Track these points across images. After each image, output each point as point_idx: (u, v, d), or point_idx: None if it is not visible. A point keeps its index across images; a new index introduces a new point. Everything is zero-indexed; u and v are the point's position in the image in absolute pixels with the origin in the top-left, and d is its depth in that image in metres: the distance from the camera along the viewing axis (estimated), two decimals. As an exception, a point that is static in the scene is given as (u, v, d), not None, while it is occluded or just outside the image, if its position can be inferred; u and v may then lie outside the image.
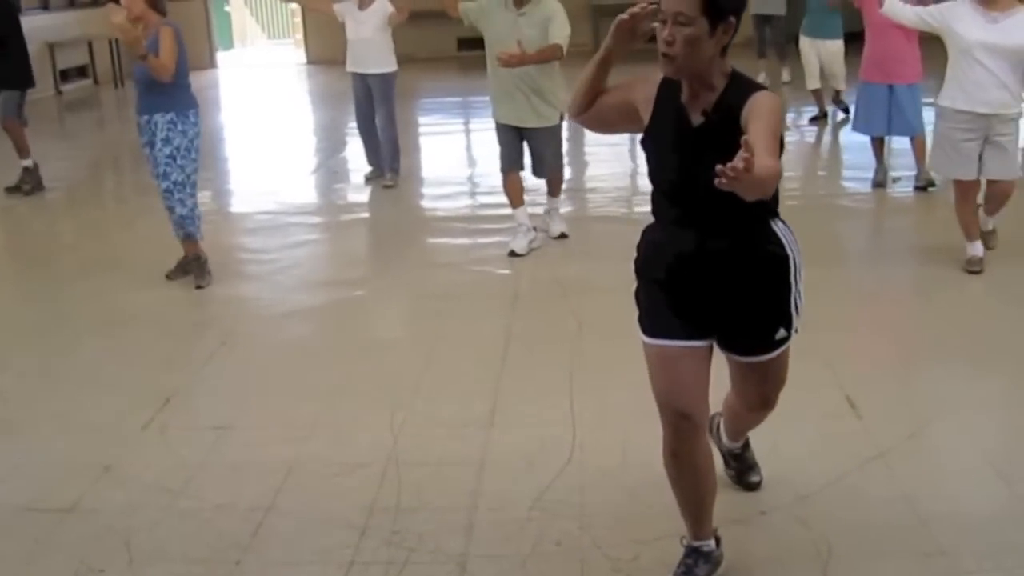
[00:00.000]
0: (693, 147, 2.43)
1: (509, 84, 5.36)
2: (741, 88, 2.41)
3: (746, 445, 3.13)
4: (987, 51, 4.66)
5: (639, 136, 2.60)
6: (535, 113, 5.45)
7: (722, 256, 2.48)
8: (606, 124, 2.74)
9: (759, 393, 2.76)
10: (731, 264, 2.48)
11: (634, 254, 2.67)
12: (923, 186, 6.64)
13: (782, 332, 2.58)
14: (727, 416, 3.02)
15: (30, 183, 7.63)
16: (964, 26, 4.72)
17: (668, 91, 2.49)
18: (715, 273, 2.49)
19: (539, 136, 5.53)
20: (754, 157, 1.95)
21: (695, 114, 2.44)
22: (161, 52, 4.95)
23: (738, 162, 1.95)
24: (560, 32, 5.25)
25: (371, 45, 7.27)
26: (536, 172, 5.79)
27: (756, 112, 2.31)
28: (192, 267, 5.40)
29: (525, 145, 5.64)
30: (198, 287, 5.31)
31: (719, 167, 1.96)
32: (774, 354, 2.62)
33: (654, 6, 2.39)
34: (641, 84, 2.56)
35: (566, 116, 5.35)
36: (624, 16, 2.44)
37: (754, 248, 2.50)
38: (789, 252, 2.53)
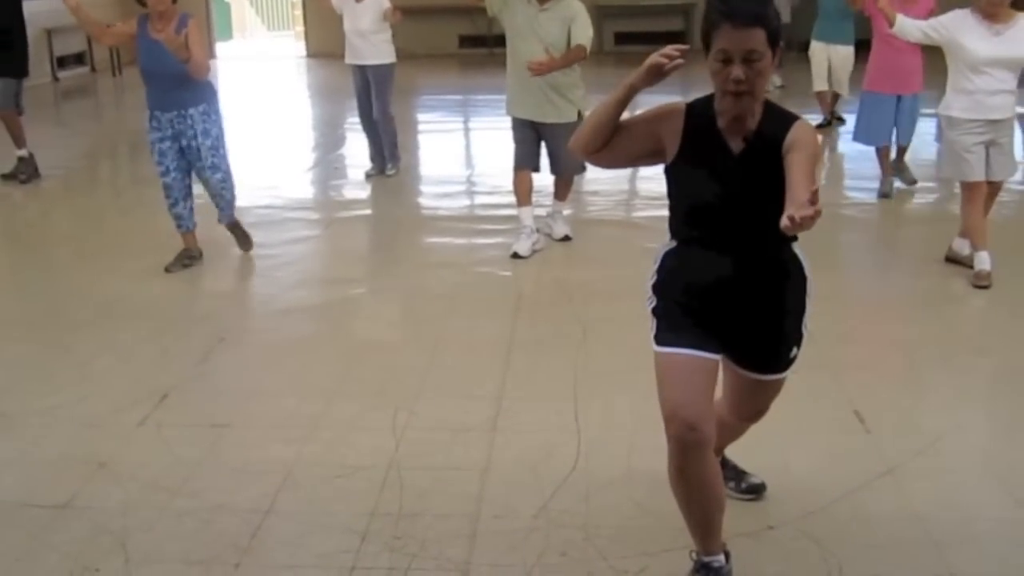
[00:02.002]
0: (734, 174, 2.44)
1: (527, 79, 5.33)
2: (777, 116, 2.45)
3: (723, 459, 3.11)
4: (994, 63, 4.78)
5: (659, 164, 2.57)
6: (553, 108, 5.44)
7: (754, 278, 2.51)
8: (623, 159, 2.66)
9: (759, 406, 2.80)
10: (762, 286, 2.52)
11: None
12: (887, 193, 6.80)
13: (795, 351, 2.64)
14: None
15: (26, 172, 7.60)
16: (971, 39, 4.80)
17: (697, 119, 2.47)
18: (745, 294, 2.51)
19: (557, 132, 5.46)
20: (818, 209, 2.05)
21: (734, 141, 2.44)
22: (195, 50, 4.97)
23: (807, 210, 2.04)
24: (584, 33, 5.28)
25: (368, 37, 7.30)
26: (555, 170, 5.75)
27: (801, 145, 2.35)
28: (237, 235, 5.70)
29: (541, 145, 5.62)
30: (247, 250, 5.70)
31: (792, 215, 2.06)
32: (786, 372, 2.68)
33: (687, 47, 2.35)
34: (666, 115, 2.50)
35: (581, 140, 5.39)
36: (661, 60, 2.36)
37: (781, 270, 2.55)
38: (808, 274, 2.60)
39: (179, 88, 5.06)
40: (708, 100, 2.49)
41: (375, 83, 7.41)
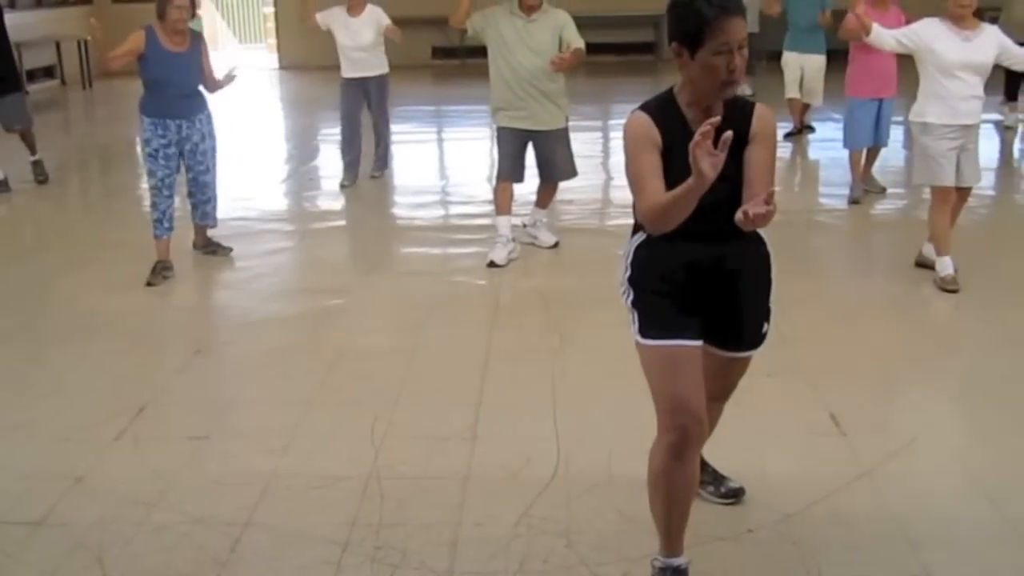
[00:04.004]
0: None
1: (519, 88, 5.47)
2: (738, 104, 2.53)
3: (702, 462, 3.11)
4: (965, 68, 4.90)
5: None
6: (548, 115, 5.56)
7: (725, 260, 2.56)
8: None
9: (730, 384, 2.85)
10: (734, 267, 2.58)
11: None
12: (857, 199, 6.90)
13: (766, 327, 2.72)
14: None
15: (42, 174, 7.97)
16: (943, 45, 4.91)
17: (664, 119, 2.49)
18: (719, 277, 2.57)
19: (549, 138, 5.60)
20: (772, 207, 2.16)
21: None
22: (209, 68, 5.38)
23: (761, 208, 2.16)
24: (578, 38, 5.48)
25: (371, 50, 7.54)
26: (549, 176, 5.82)
27: (763, 137, 2.48)
28: (215, 248, 5.85)
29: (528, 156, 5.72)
30: (231, 250, 5.86)
31: (747, 209, 2.18)
32: (759, 349, 2.75)
33: (717, 119, 2.23)
34: (646, 132, 2.47)
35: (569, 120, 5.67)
36: (716, 155, 2.18)
37: (750, 250, 2.62)
38: (770, 250, 2.69)
39: (191, 97, 5.34)
40: (662, 99, 2.53)
41: (377, 93, 7.69)
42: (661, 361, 2.55)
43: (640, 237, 2.63)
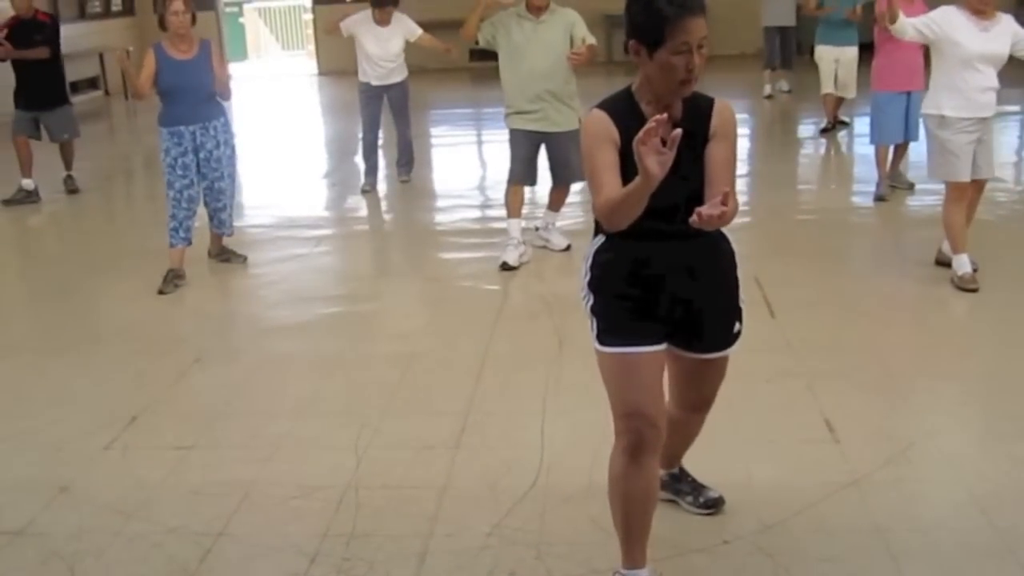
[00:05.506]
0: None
1: (532, 92, 5.44)
2: (697, 100, 2.47)
3: (681, 471, 3.09)
4: (984, 59, 4.78)
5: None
6: (561, 116, 5.52)
7: (693, 260, 2.51)
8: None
9: (708, 392, 2.77)
10: (701, 266, 2.53)
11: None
12: (883, 196, 6.73)
13: (738, 326, 2.64)
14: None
15: (73, 187, 8.15)
16: (963, 36, 4.79)
17: (623, 118, 2.42)
18: (686, 277, 2.51)
19: (562, 140, 5.54)
20: (730, 208, 2.13)
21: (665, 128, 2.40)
22: (222, 71, 5.45)
23: (715, 210, 2.13)
24: (590, 36, 5.48)
25: (397, 58, 7.55)
26: (561, 179, 5.77)
27: (724, 134, 2.44)
28: (229, 256, 5.88)
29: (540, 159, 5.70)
30: (245, 258, 5.88)
31: (700, 210, 2.15)
32: (732, 349, 2.67)
33: (664, 117, 2.18)
34: (604, 130, 2.41)
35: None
36: (664, 152, 2.14)
37: (716, 248, 2.57)
38: (734, 247, 2.63)
39: (205, 102, 5.41)
40: (620, 97, 2.47)
41: (400, 99, 7.69)
42: (618, 368, 2.50)
43: (600, 239, 2.58)
